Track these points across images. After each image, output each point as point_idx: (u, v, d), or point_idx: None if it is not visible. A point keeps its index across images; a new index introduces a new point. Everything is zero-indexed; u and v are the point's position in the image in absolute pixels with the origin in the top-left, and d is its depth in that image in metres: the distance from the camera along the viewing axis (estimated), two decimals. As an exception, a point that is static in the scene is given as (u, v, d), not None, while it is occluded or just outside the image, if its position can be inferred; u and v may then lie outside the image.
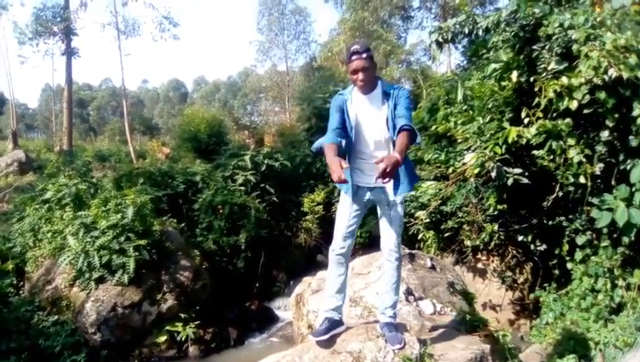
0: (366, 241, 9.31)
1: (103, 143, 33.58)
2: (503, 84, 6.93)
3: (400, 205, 3.67)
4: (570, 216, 6.57)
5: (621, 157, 5.88)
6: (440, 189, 8.17)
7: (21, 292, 8.24)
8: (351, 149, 3.66)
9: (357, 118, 3.61)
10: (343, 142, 3.57)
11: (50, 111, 45.46)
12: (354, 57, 3.48)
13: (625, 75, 5.36)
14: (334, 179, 3.21)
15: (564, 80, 5.84)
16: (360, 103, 3.63)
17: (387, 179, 3.19)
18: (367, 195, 3.68)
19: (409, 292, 4.87)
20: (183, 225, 10.10)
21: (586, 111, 5.89)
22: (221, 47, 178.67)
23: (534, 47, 6.44)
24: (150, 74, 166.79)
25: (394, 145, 3.47)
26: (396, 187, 3.55)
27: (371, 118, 3.61)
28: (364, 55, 3.48)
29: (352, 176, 3.64)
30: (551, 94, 5.97)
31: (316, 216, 12.04)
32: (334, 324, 3.81)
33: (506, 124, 6.64)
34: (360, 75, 3.50)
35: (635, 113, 5.53)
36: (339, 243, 3.71)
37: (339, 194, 3.88)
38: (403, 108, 3.52)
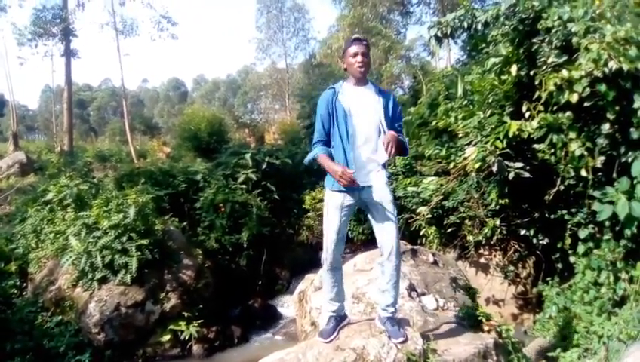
0: (367, 238, 9.31)
1: (104, 143, 33.54)
2: (503, 78, 6.91)
3: (392, 202, 3.64)
4: (572, 210, 6.55)
5: (622, 150, 5.86)
6: (441, 184, 8.17)
7: (24, 293, 8.25)
8: (342, 148, 3.62)
9: (350, 108, 3.62)
10: (331, 153, 3.64)
11: (50, 112, 45.46)
12: (355, 42, 3.62)
13: (625, 67, 5.34)
14: (344, 182, 3.36)
15: (565, 73, 5.82)
16: (353, 94, 3.66)
17: (392, 152, 3.39)
18: (358, 195, 3.63)
19: (412, 288, 4.88)
20: (184, 224, 10.10)
21: (586, 104, 5.86)
22: (220, 45, 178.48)
23: (534, 40, 6.42)
24: (150, 73, 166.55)
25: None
26: (386, 175, 3.64)
27: (365, 107, 3.64)
28: (365, 43, 3.64)
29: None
30: (551, 87, 5.95)
31: (318, 213, 12.00)
32: (340, 320, 3.85)
33: (506, 118, 6.63)
34: (359, 57, 3.59)
35: (635, 105, 5.51)
36: (330, 251, 3.66)
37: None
38: (401, 121, 3.77)
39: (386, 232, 3.62)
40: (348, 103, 3.61)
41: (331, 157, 3.58)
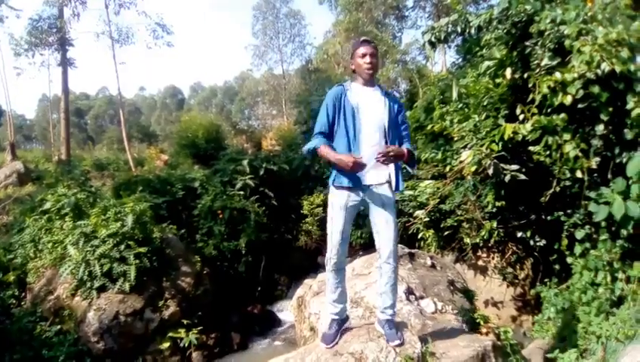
0: (366, 242, 9.32)
1: (102, 152, 33.54)
2: (498, 81, 6.95)
3: (393, 206, 3.68)
4: (569, 211, 6.57)
5: (617, 151, 5.89)
6: (438, 188, 8.19)
7: (23, 303, 8.23)
8: (347, 147, 3.63)
9: (358, 105, 3.65)
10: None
11: (47, 121, 45.40)
12: (364, 44, 3.70)
13: (617, 68, 5.38)
14: (350, 166, 3.38)
15: (558, 75, 5.86)
16: (362, 93, 3.71)
17: (385, 160, 3.42)
18: (361, 195, 3.66)
19: (410, 291, 4.89)
20: (183, 231, 10.11)
21: (580, 105, 5.89)
22: (217, 52, 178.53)
23: (527, 43, 6.46)
24: (147, 81, 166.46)
25: (386, 142, 3.61)
26: (397, 182, 3.67)
27: (372, 106, 3.69)
28: (373, 44, 3.72)
29: (350, 175, 3.60)
30: (545, 90, 5.98)
31: (316, 218, 12.05)
32: (342, 323, 3.86)
33: (501, 121, 6.66)
34: (368, 58, 3.66)
35: (629, 106, 5.55)
36: (335, 252, 3.69)
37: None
38: (404, 117, 3.82)
39: (385, 234, 3.65)
40: (356, 100, 3.65)
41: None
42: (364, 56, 3.65)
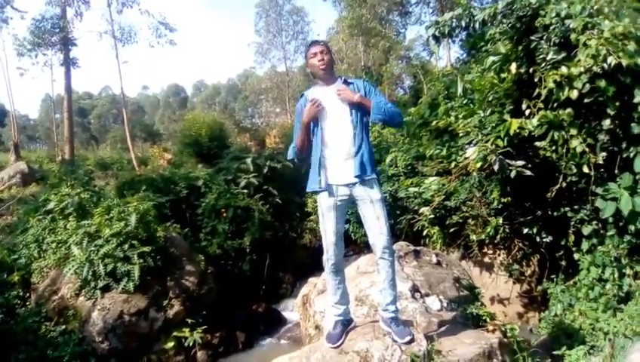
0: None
1: (105, 151, 33.63)
2: (503, 76, 6.89)
3: (381, 201, 3.66)
4: (575, 206, 6.52)
5: (624, 145, 5.83)
6: (443, 184, 8.13)
7: (27, 303, 8.22)
8: (319, 148, 3.72)
9: (331, 109, 3.69)
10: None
11: (51, 121, 45.52)
12: (312, 45, 3.80)
13: (624, 62, 5.32)
14: (310, 111, 3.63)
15: (564, 69, 5.80)
16: (320, 95, 3.71)
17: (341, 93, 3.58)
18: (346, 192, 3.67)
19: (415, 289, 4.85)
20: (186, 230, 10.07)
21: (586, 100, 5.83)
22: (220, 50, 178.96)
23: (532, 37, 6.39)
24: (150, 80, 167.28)
25: (359, 140, 3.63)
26: (362, 170, 3.60)
27: (332, 103, 3.69)
28: (322, 43, 3.79)
29: (326, 175, 3.71)
30: (551, 84, 5.92)
31: (321, 217, 11.98)
32: (346, 324, 3.84)
33: (507, 116, 6.60)
34: (318, 56, 3.70)
35: (636, 100, 5.49)
36: (331, 252, 3.71)
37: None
38: (378, 96, 3.76)
39: (376, 230, 3.64)
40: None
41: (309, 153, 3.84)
42: (314, 55, 3.70)
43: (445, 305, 4.78)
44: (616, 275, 5.70)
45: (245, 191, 11.50)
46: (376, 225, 3.63)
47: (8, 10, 22.14)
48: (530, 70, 6.35)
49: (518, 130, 6.16)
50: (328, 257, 3.72)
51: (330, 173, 3.69)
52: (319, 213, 3.78)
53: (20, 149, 23.75)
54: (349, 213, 7.58)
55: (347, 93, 3.59)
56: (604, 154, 5.96)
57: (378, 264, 3.71)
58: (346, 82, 3.76)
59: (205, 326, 7.63)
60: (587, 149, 5.88)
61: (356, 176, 3.59)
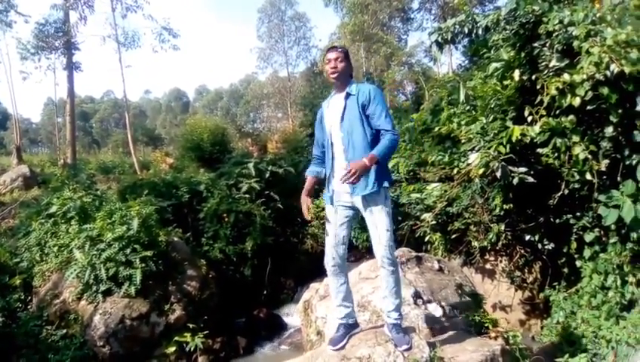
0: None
1: (107, 155, 33.62)
2: (505, 83, 6.89)
3: (381, 210, 3.61)
4: (578, 214, 6.51)
5: (626, 153, 5.82)
6: (445, 191, 8.14)
7: (29, 307, 8.22)
8: (330, 158, 3.77)
9: (323, 118, 3.79)
10: (323, 172, 3.90)
11: (53, 125, 45.69)
12: (329, 50, 3.77)
13: (627, 69, 5.32)
14: (305, 211, 3.87)
15: (566, 77, 5.80)
16: (331, 104, 3.78)
17: (352, 179, 3.31)
18: (348, 199, 3.70)
19: (417, 295, 4.85)
20: (188, 234, 10.09)
21: (589, 107, 5.83)
22: (222, 55, 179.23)
23: (535, 44, 6.40)
24: (152, 84, 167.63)
25: (350, 156, 3.58)
26: (352, 187, 3.58)
27: (335, 114, 3.71)
28: (339, 49, 3.73)
29: (332, 183, 3.77)
30: (553, 92, 5.92)
31: (322, 222, 11.96)
32: (350, 328, 3.85)
33: (509, 123, 6.60)
34: (332, 63, 3.67)
35: (639, 108, 5.49)
36: (331, 255, 3.77)
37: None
38: (374, 106, 3.60)
39: (376, 239, 3.66)
40: (326, 114, 3.79)
41: (320, 173, 3.95)
42: (329, 62, 3.69)
43: (447, 311, 4.78)
44: (618, 283, 5.69)
45: (247, 196, 11.49)
46: (374, 235, 3.65)
47: (12, 14, 22.23)
48: (533, 77, 6.37)
49: (520, 137, 6.16)
50: (328, 260, 3.79)
51: (334, 181, 3.75)
52: (326, 215, 3.87)
53: (22, 153, 23.79)
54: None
55: (349, 178, 3.30)
56: (606, 161, 5.95)
57: (380, 272, 3.75)
58: (347, 94, 3.66)
59: (207, 331, 7.61)
60: (590, 156, 5.87)
61: (348, 193, 3.67)
